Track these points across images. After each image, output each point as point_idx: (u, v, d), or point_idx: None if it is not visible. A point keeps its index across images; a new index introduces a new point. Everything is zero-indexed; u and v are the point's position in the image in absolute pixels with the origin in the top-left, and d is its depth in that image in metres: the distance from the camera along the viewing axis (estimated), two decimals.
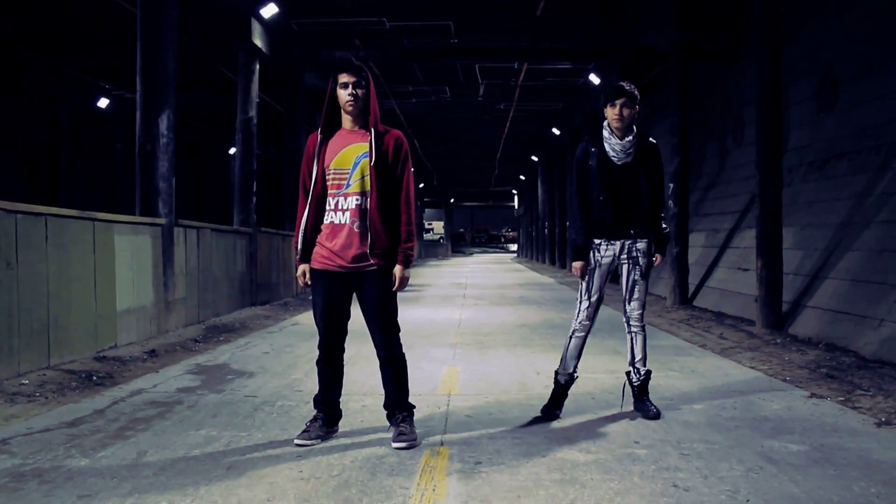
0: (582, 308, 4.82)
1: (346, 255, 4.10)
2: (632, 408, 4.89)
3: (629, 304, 4.81)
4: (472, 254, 73.35)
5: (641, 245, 4.77)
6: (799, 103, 11.52)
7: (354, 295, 4.23)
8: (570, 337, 4.89)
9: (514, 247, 79.55)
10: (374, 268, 4.11)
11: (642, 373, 4.84)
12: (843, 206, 9.39)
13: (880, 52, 9.33)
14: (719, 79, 15.19)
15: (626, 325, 4.87)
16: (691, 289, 12.94)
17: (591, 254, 4.80)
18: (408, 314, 11.62)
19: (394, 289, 4.13)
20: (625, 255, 4.77)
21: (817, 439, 4.24)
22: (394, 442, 4.11)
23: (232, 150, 28.16)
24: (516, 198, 62.80)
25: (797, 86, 11.46)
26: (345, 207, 4.11)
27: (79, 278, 6.98)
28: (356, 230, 4.09)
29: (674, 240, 12.89)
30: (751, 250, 10.33)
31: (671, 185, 13.03)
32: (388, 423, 4.30)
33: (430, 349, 7.79)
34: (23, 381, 5.74)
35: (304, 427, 4.28)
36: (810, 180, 10.75)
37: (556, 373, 4.92)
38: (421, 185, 51.02)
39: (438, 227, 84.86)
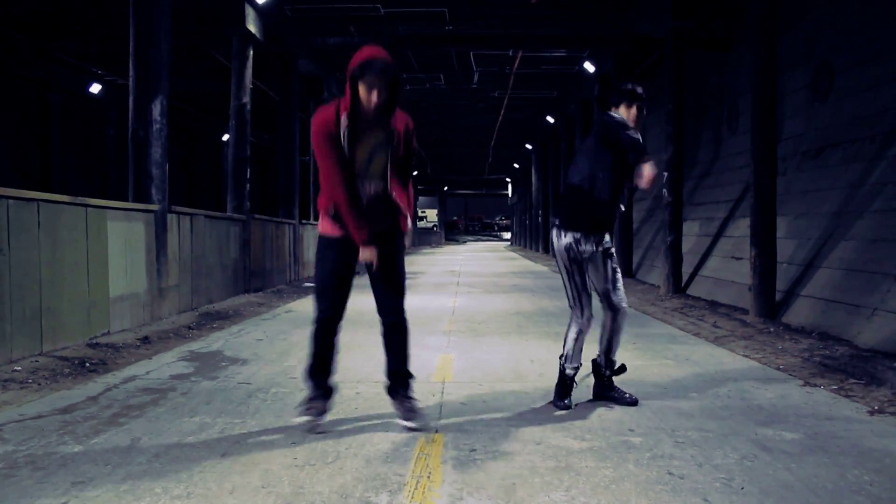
0: (584, 304, 4.68)
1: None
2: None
3: (614, 293, 4.70)
4: (465, 242, 73.36)
5: (607, 236, 4.75)
6: (794, 92, 11.52)
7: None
8: (578, 336, 4.72)
9: (507, 235, 79.59)
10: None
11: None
12: (838, 195, 9.41)
13: (875, 42, 9.33)
14: (714, 67, 15.17)
15: (610, 315, 4.72)
16: (685, 277, 12.96)
17: (574, 247, 4.65)
18: None
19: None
20: (599, 249, 4.69)
21: (811, 427, 4.25)
22: (402, 420, 4.16)
23: (225, 137, 28.01)
24: (510, 186, 62.77)
25: (792, 75, 11.45)
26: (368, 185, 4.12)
27: (71, 264, 6.95)
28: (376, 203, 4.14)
29: (668, 228, 12.90)
30: (745, 239, 10.36)
31: (665, 174, 13.02)
32: (382, 410, 4.30)
33: (423, 337, 7.79)
34: (15, 368, 5.71)
35: (304, 406, 4.29)
36: (805, 169, 10.76)
37: (563, 366, 4.78)
38: (415, 173, 50.90)
39: (432, 214, 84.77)
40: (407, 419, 4.20)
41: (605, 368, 4.83)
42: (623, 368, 4.86)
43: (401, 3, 15.66)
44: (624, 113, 4.63)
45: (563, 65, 21.01)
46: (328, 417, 4.32)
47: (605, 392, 4.86)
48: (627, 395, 4.80)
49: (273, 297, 12.53)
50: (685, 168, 14.25)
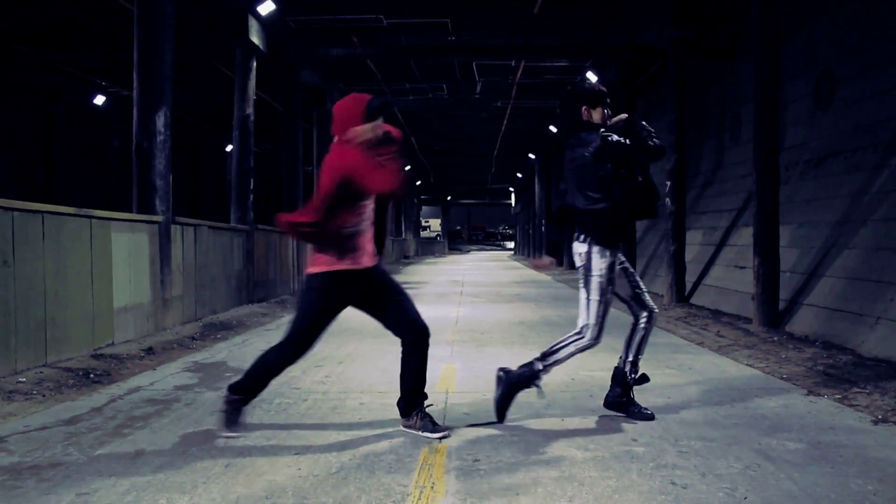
0: (604, 325, 4.60)
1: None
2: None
3: (644, 294, 4.68)
4: (468, 251, 73.26)
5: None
6: (796, 101, 11.53)
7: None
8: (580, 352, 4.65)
9: (510, 244, 79.52)
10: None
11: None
12: (840, 203, 9.41)
13: (877, 51, 9.35)
14: (717, 77, 15.20)
15: (645, 316, 4.65)
16: (688, 287, 12.95)
17: (616, 265, 4.58)
18: None
19: None
20: (620, 260, 4.67)
21: (814, 437, 4.25)
22: (431, 433, 4.20)
23: (229, 148, 28.11)
24: (513, 195, 62.77)
25: (794, 84, 11.47)
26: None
27: (76, 276, 6.97)
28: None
29: (671, 237, 12.90)
30: (748, 248, 10.35)
31: (668, 183, 13.03)
32: (386, 421, 4.31)
33: None
34: (20, 379, 5.72)
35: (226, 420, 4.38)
36: (807, 178, 10.76)
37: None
38: (418, 183, 51.04)
39: (435, 224, 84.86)
40: (433, 431, 4.22)
41: (631, 374, 4.66)
42: (645, 378, 4.69)
43: (404, 13, 15.73)
44: (597, 115, 4.64)
45: (565, 74, 21.05)
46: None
47: (626, 406, 4.67)
48: (647, 411, 4.65)
49: (277, 307, 12.54)
50: (688, 177, 14.27)
